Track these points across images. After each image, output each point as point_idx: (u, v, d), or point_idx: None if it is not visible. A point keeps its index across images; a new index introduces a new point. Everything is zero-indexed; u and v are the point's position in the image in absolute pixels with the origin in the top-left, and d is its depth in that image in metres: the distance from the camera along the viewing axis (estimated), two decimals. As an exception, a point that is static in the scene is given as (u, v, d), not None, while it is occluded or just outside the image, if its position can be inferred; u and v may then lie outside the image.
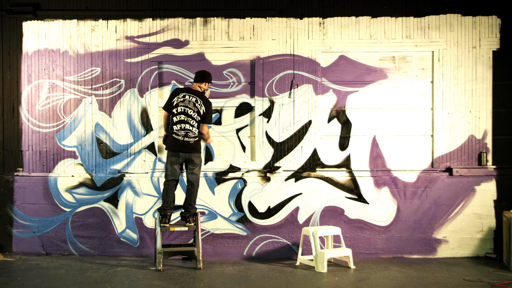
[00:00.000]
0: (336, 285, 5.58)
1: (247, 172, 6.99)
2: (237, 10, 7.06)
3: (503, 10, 6.99)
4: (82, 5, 7.16)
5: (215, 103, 7.05)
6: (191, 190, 6.37)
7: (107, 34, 7.10)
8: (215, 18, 7.06)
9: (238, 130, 7.08)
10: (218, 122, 7.09)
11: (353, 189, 6.97)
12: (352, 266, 6.28)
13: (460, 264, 6.53)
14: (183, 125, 6.22)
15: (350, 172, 6.99)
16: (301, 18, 7.04)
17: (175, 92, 6.38)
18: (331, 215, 6.94)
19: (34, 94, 7.14)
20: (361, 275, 5.99)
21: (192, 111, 6.24)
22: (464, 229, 6.91)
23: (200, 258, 6.24)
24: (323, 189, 6.96)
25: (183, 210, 6.42)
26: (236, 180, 7.00)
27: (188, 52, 7.07)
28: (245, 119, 7.07)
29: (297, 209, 6.95)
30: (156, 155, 7.04)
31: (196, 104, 6.27)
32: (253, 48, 7.03)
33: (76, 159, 7.08)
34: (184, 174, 6.61)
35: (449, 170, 6.95)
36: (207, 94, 6.54)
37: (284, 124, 7.01)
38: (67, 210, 7.04)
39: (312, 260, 6.34)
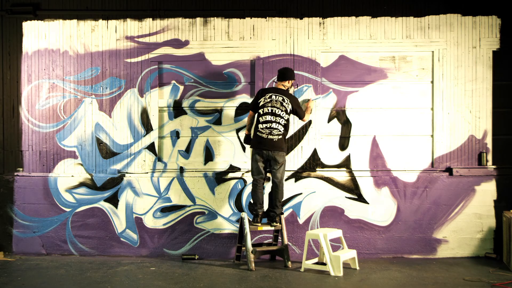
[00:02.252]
0: (335, 284, 5.59)
1: (247, 172, 6.99)
2: (237, 10, 7.06)
3: (503, 10, 6.99)
4: (82, 5, 7.16)
5: (215, 103, 7.06)
6: (276, 191, 6.42)
7: (107, 34, 7.10)
8: (215, 18, 7.06)
9: (238, 130, 7.08)
10: (218, 122, 7.09)
11: (353, 189, 6.97)
12: (357, 267, 6.25)
13: (460, 264, 6.53)
14: (268, 124, 6.31)
15: (350, 172, 6.99)
16: (301, 18, 7.05)
17: (261, 93, 6.48)
18: (331, 215, 6.94)
19: (34, 94, 7.14)
20: (361, 275, 5.99)
21: (279, 110, 6.34)
22: (464, 229, 6.91)
23: (289, 257, 6.39)
24: (323, 189, 6.96)
25: (269, 210, 6.49)
26: (236, 180, 7.00)
27: (188, 52, 7.07)
28: (245, 119, 7.06)
29: (297, 209, 6.96)
30: (156, 155, 7.04)
31: (284, 103, 6.37)
32: (253, 48, 7.04)
33: (76, 159, 7.08)
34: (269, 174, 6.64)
35: (449, 170, 6.95)
36: (291, 90, 6.70)
37: (284, 124, 7.00)
38: (67, 210, 7.04)
39: (317, 263, 6.26)
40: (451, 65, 6.99)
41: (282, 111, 6.34)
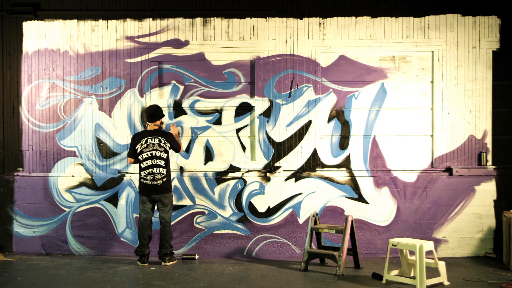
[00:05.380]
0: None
1: (247, 172, 6.99)
2: (237, 10, 7.06)
3: (503, 10, 7.00)
4: (82, 5, 7.16)
5: (215, 103, 7.06)
6: (164, 232, 6.48)
7: (107, 34, 7.10)
8: (215, 18, 7.06)
9: (238, 130, 7.08)
10: (218, 122, 7.10)
11: (353, 189, 6.97)
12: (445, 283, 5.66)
13: (460, 264, 6.54)
14: (150, 170, 6.40)
15: (350, 172, 6.99)
16: (301, 18, 7.05)
17: (136, 139, 6.52)
18: (331, 215, 6.94)
19: (34, 94, 7.14)
20: (361, 276, 5.99)
21: (159, 152, 6.44)
22: (464, 229, 6.92)
23: (342, 263, 5.95)
24: (323, 189, 6.96)
25: (159, 250, 6.51)
26: (236, 180, 7.00)
27: (188, 52, 7.07)
28: (245, 119, 7.07)
29: (297, 209, 6.96)
30: (156, 155, 7.04)
31: (161, 144, 6.47)
32: (253, 48, 7.04)
33: (76, 159, 7.08)
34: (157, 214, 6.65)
35: (449, 170, 6.95)
36: (163, 126, 6.75)
37: (284, 124, 7.01)
38: (67, 210, 7.04)
39: (398, 275, 5.66)
40: (451, 65, 6.99)
41: (161, 151, 6.45)
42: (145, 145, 6.44)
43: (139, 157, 6.45)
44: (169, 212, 6.52)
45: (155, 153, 6.42)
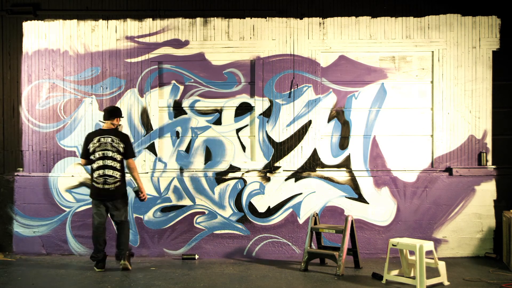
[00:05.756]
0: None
1: (247, 172, 6.99)
2: (237, 10, 7.06)
3: (503, 10, 7.00)
4: (82, 5, 7.16)
5: (215, 103, 7.06)
6: (120, 233, 6.17)
7: (107, 34, 7.10)
8: (215, 18, 7.06)
9: (238, 130, 7.08)
10: (218, 122, 7.10)
11: (353, 189, 6.97)
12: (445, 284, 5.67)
13: (460, 264, 6.54)
14: (101, 171, 6.02)
15: (350, 172, 6.99)
16: (301, 18, 7.05)
17: (88, 138, 6.16)
18: (331, 215, 6.94)
19: (34, 94, 7.14)
20: (361, 276, 5.99)
21: (111, 152, 6.05)
22: (464, 229, 6.91)
23: (342, 264, 5.92)
24: (323, 189, 6.96)
25: (116, 251, 6.20)
26: (236, 180, 7.00)
27: (188, 52, 7.07)
28: (245, 119, 7.07)
29: (297, 209, 6.96)
30: (156, 155, 7.04)
31: (114, 144, 6.07)
32: (253, 48, 7.04)
33: (76, 159, 7.08)
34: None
35: (449, 170, 6.95)
36: (120, 128, 6.46)
37: (284, 124, 7.01)
38: (67, 210, 7.04)
39: (398, 275, 5.65)
40: (451, 65, 6.99)
41: (113, 152, 6.05)
42: (98, 144, 6.06)
43: (91, 157, 6.08)
44: (125, 213, 6.17)
45: (108, 153, 6.03)
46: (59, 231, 7.04)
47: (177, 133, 7.10)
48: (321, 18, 7.04)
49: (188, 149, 7.10)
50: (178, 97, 7.10)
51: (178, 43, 7.08)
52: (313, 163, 7.02)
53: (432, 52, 7.02)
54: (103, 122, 6.29)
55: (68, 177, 7.06)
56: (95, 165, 6.09)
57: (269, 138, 7.01)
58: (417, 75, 7.06)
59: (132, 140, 7.03)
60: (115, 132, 6.19)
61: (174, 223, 6.97)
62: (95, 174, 6.07)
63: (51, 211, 7.04)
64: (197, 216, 7.01)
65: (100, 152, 6.06)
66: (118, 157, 6.09)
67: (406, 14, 7.02)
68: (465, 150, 6.99)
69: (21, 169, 7.14)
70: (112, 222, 6.40)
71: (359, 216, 6.94)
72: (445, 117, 6.99)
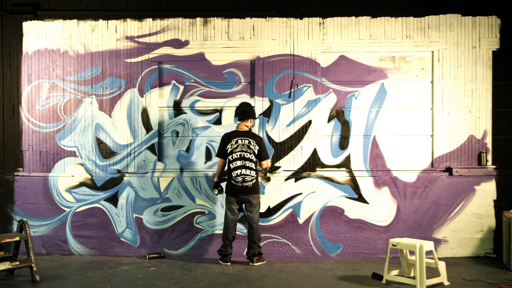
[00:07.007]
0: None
1: (247, 172, 6.99)
2: (237, 10, 7.06)
3: (503, 10, 7.00)
4: (82, 5, 7.16)
5: (215, 103, 7.07)
6: (251, 232, 6.48)
7: (107, 34, 7.10)
8: (215, 18, 7.07)
9: (238, 130, 7.08)
10: (218, 122, 7.10)
11: (353, 189, 6.97)
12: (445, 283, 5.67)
13: (460, 264, 6.54)
14: (239, 171, 6.40)
15: (350, 172, 6.99)
16: (301, 18, 7.05)
17: (226, 139, 6.53)
18: (331, 215, 6.94)
19: (34, 94, 7.14)
20: (361, 276, 5.99)
21: (248, 154, 6.44)
22: (464, 229, 6.92)
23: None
24: (323, 189, 6.96)
25: (248, 251, 6.57)
26: (236, 180, 6.99)
27: (188, 52, 7.07)
28: (245, 119, 7.07)
29: (297, 209, 6.96)
30: (156, 155, 7.04)
31: (251, 146, 6.47)
32: (253, 48, 7.04)
33: (76, 159, 7.08)
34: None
35: (449, 170, 6.95)
36: (253, 129, 6.73)
37: (284, 124, 7.01)
38: (67, 210, 7.04)
39: (398, 275, 5.66)
40: (451, 65, 6.99)
41: (250, 153, 6.44)
42: (236, 145, 6.46)
43: (229, 157, 6.47)
44: (257, 213, 6.51)
45: (245, 155, 6.42)
46: (59, 231, 7.04)
47: (177, 133, 7.11)
48: (321, 18, 7.04)
49: (188, 149, 7.10)
50: (178, 97, 7.11)
51: (178, 43, 7.08)
52: (313, 163, 7.02)
53: (432, 52, 7.02)
54: (238, 122, 6.69)
55: (68, 177, 7.06)
56: (232, 165, 6.43)
57: (269, 138, 7.01)
58: (417, 75, 7.06)
59: (132, 140, 7.06)
60: (251, 135, 6.56)
61: (174, 223, 6.97)
62: (234, 174, 6.42)
63: (51, 211, 7.04)
64: (197, 216, 7.01)
65: (238, 153, 6.44)
66: (254, 158, 6.48)
67: (406, 14, 7.02)
68: (465, 150, 6.99)
69: (21, 169, 7.15)
70: (247, 222, 6.57)
71: (359, 216, 6.94)
72: (445, 117, 6.99)
